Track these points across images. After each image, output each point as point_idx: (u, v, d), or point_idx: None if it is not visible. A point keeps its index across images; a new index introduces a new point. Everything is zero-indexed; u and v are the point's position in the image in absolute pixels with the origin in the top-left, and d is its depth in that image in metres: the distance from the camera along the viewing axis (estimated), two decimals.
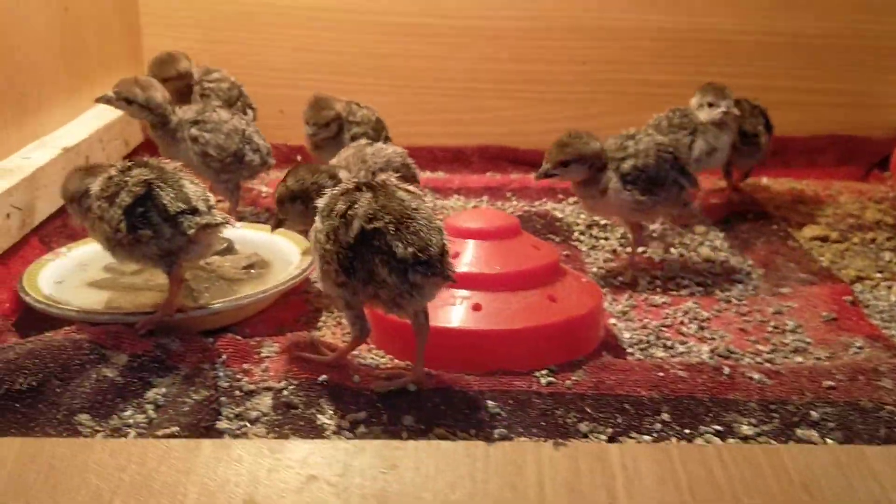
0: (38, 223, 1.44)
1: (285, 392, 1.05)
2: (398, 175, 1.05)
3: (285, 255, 1.39)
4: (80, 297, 1.27)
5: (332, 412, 1.02)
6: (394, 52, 2.17)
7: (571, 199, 1.96)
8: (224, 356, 1.13)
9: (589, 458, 0.88)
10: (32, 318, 1.27)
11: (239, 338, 1.18)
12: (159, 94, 1.57)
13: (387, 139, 1.78)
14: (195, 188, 1.13)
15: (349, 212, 0.99)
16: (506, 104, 2.21)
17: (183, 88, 1.84)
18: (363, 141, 1.52)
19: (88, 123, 1.73)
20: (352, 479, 0.85)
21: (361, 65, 2.17)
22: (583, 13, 2.17)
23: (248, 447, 0.89)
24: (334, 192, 1.03)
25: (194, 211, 1.11)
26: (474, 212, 1.32)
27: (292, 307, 1.35)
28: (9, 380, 0.97)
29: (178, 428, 0.94)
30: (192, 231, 1.10)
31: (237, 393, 1.06)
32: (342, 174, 1.42)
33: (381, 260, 0.97)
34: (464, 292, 1.14)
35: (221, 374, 1.09)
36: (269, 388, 1.06)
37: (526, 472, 0.86)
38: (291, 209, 1.17)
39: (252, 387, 1.07)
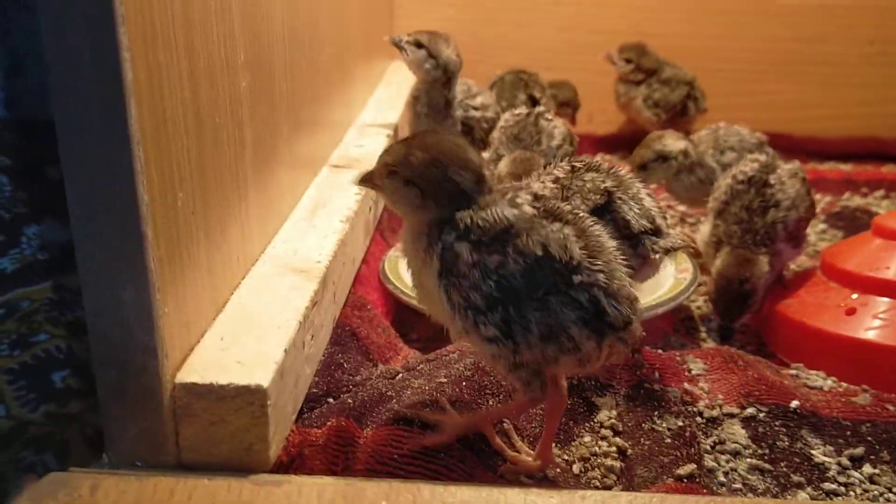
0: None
1: (757, 420, 0.92)
2: None
3: None
4: None
5: (822, 446, 0.89)
6: (666, 31, 2.01)
7: (878, 193, 1.78)
8: (657, 373, 1.00)
9: None
10: (400, 320, 1.19)
11: (659, 350, 1.05)
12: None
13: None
14: (653, 202, 0.96)
15: None
16: (785, 87, 2.04)
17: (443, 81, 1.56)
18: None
19: (385, 107, 1.62)
20: None
21: None
22: None
23: None
24: None
25: (657, 231, 0.95)
26: None
27: (663, 315, 1.21)
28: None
29: (695, 466, 0.81)
30: (656, 256, 0.95)
31: (698, 419, 0.93)
32: None
33: None
34: None
35: (671, 394, 0.95)
36: (731, 415, 0.93)
37: None
38: None
39: (713, 412, 0.93)
